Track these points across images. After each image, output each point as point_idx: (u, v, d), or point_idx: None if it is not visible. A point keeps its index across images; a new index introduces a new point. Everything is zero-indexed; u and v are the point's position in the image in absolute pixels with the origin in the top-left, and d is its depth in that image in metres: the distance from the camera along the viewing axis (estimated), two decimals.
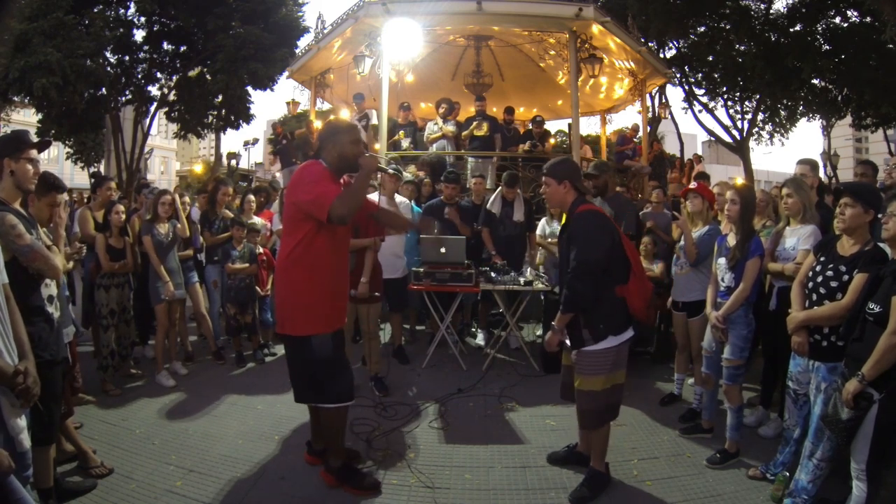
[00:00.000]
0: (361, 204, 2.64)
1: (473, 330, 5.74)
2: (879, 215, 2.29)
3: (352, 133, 2.79)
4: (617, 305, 2.68)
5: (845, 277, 2.45)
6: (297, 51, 11.85)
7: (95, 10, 13.43)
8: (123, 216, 4.30)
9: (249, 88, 15.21)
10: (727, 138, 16.62)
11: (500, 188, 5.39)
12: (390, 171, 4.18)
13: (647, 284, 2.81)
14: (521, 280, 4.59)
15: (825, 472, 2.45)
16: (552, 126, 12.91)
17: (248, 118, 16.37)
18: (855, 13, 13.58)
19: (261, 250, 5.09)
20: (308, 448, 3.05)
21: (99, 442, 3.20)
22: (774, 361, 3.51)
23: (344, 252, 2.85)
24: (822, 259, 2.60)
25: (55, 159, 29.12)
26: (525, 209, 5.35)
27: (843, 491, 2.32)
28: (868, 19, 12.98)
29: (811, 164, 3.67)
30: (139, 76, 15.33)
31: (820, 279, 2.55)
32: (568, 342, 2.77)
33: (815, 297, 2.57)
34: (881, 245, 2.37)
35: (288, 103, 11.77)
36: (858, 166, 3.95)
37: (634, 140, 10.11)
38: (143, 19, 14.68)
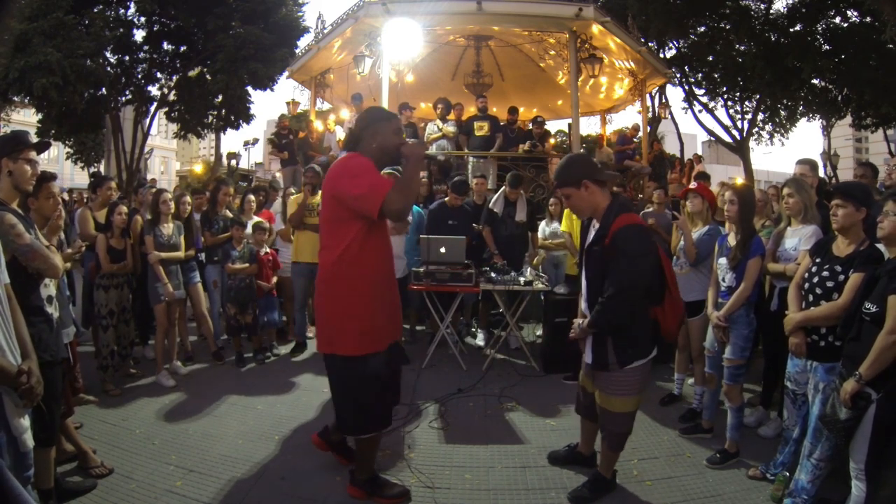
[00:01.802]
0: (416, 197, 2.36)
1: (473, 330, 5.74)
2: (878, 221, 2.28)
3: (394, 122, 2.52)
4: (647, 328, 2.52)
5: (841, 277, 2.46)
6: (297, 51, 11.86)
7: (95, 10, 13.45)
8: (126, 217, 4.30)
9: (249, 88, 15.23)
10: (727, 138, 16.63)
11: (503, 188, 5.39)
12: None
13: (679, 304, 2.59)
14: (521, 280, 4.59)
15: (825, 472, 2.45)
16: (552, 126, 12.91)
17: (248, 118, 16.38)
18: (855, 13, 13.58)
19: (267, 250, 5.09)
20: (322, 431, 2.95)
21: (99, 442, 3.20)
22: (775, 361, 3.51)
23: (391, 253, 2.55)
24: (817, 260, 2.61)
25: (55, 159, 29.15)
26: (527, 209, 5.35)
27: (843, 491, 2.32)
28: (868, 19, 12.98)
29: (811, 164, 3.67)
30: (139, 76, 15.35)
31: (816, 280, 2.56)
32: (588, 359, 2.63)
33: (811, 297, 2.57)
34: (877, 245, 2.38)
35: (288, 103, 11.75)
36: (858, 168, 3.95)
37: (635, 140, 10.11)
38: (143, 19, 14.71)
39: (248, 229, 5.13)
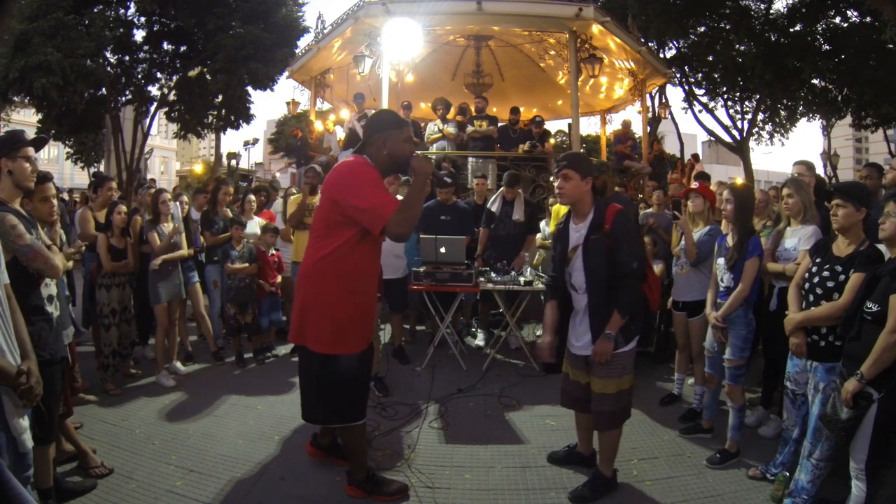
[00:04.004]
0: (419, 217, 2.35)
1: (473, 330, 5.74)
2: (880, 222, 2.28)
3: (406, 131, 2.48)
4: (641, 302, 2.70)
5: (842, 277, 2.46)
6: (297, 51, 11.85)
7: (95, 10, 13.41)
8: (125, 216, 4.30)
9: (249, 88, 15.20)
10: (727, 138, 16.63)
11: (501, 188, 5.39)
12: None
13: (656, 277, 2.89)
14: (521, 280, 4.59)
15: (825, 472, 2.45)
16: (552, 126, 12.92)
17: (248, 118, 16.36)
18: (855, 13, 13.56)
19: (273, 252, 5.08)
20: (312, 439, 3.00)
21: (99, 442, 3.20)
22: (775, 361, 3.51)
23: (378, 262, 2.57)
24: (818, 261, 2.61)
25: (55, 159, 29.16)
26: (526, 209, 5.34)
27: (843, 491, 2.32)
28: (868, 19, 12.96)
29: (808, 165, 3.69)
30: (139, 76, 15.31)
31: (816, 280, 2.56)
32: (587, 350, 2.69)
33: (811, 297, 2.58)
34: (877, 245, 2.38)
35: (288, 103, 11.79)
36: (864, 168, 3.97)
37: (634, 138, 10.06)
38: (143, 19, 14.67)
39: (248, 229, 5.13)
